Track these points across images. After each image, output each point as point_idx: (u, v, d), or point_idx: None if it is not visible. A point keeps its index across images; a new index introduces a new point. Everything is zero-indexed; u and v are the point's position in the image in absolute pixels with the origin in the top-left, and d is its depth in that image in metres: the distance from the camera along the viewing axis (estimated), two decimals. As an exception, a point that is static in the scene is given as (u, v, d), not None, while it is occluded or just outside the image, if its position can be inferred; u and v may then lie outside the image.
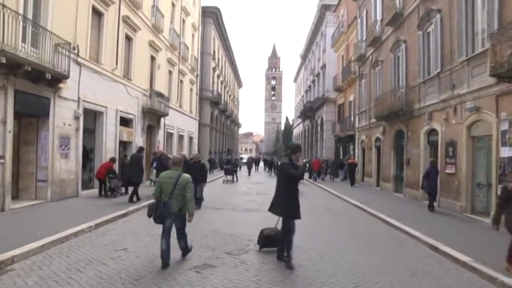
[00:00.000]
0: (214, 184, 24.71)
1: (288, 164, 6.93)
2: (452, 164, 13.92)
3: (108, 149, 17.17)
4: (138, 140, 20.97)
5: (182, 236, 6.77)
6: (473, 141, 13.11)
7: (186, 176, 6.68)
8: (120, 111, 18.43)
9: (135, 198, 13.76)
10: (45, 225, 8.83)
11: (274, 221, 11.11)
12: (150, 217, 6.62)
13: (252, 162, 42.21)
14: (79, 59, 14.40)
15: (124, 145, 19.81)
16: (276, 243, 7.38)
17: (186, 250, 6.91)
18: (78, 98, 14.57)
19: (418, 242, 9.07)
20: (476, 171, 13.00)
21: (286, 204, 6.79)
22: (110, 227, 9.76)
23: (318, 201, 17.13)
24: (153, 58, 23.44)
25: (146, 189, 16.35)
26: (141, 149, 16.14)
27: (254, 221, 11.22)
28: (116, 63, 17.94)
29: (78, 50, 14.19)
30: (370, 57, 24.87)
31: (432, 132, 16.07)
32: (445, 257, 7.69)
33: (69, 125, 14.12)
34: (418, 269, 6.75)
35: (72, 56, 13.56)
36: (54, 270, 6.05)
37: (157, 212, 6.46)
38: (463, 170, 13.23)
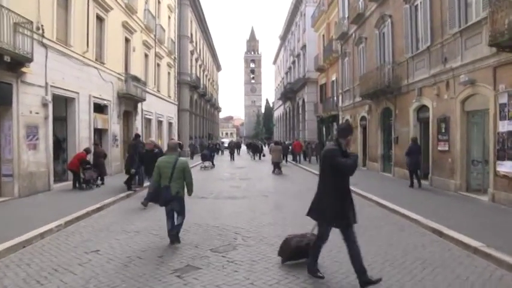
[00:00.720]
0: (193, 170, 23.68)
1: (336, 149, 5.10)
2: (445, 141, 13.36)
3: (82, 137, 16.04)
4: (114, 127, 19.83)
5: (182, 217, 7.03)
6: (468, 117, 12.57)
7: (183, 159, 7.04)
8: (94, 96, 17.22)
9: (133, 187, 13.91)
10: (6, 227, 7.74)
11: (261, 209, 10.49)
12: (152, 202, 7.36)
13: (235, 147, 41.17)
14: (44, 41, 13.14)
15: (99, 133, 18.66)
16: (307, 255, 5.61)
17: (178, 233, 6.94)
18: (46, 83, 13.36)
19: (419, 226, 8.47)
20: (470, 148, 12.48)
21: (336, 206, 5.00)
22: (81, 224, 8.79)
23: (304, 184, 16.43)
24: (127, 40, 22.14)
25: (120, 178, 15.34)
26: (136, 136, 15.13)
27: (239, 210, 10.51)
28: (87, 46, 16.66)
29: (43, 30, 12.92)
30: (353, 34, 24.06)
31: (422, 108, 15.47)
32: (452, 242, 7.07)
33: (37, 113, 12.95)
34: (427, 259, 6.05)
35: (35, 36, 12.33)
36: (8, 285, 5.02)
37: (161, 197, 6.83)
38: (456, 146, 12.69)
